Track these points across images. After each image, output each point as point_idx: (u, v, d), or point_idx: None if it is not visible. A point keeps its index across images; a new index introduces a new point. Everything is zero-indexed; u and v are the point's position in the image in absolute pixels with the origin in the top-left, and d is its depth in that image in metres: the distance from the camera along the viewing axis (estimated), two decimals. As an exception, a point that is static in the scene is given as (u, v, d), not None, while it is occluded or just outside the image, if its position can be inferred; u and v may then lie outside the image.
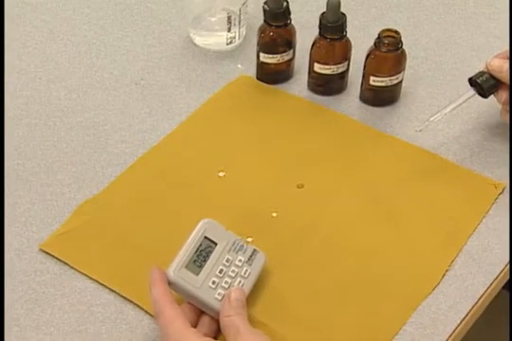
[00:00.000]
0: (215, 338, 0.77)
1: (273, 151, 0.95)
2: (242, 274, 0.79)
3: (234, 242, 0.80)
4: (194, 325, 0.77)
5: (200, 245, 0.78)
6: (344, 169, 0.93)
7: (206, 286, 0.77)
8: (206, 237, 0.79)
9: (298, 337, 0.79)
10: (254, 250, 0.81)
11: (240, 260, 0.80)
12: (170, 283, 0.76)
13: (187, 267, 0.77)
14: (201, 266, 0.78)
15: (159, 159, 0.94)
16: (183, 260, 0.77)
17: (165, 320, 0.74)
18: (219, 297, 0.77)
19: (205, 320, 0.77)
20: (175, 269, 0.76)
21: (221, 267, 0.79)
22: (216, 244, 0.79)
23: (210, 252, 0.79)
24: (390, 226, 0.88)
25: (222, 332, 0.76)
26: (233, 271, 0.79)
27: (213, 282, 0.78)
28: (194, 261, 0.78)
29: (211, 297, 0.77)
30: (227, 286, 0.78)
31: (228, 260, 0.79)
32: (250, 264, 0.80)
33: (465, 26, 1.10)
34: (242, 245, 0.81)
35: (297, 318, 0.80)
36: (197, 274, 0.77)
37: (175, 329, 0.73)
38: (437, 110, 0.93)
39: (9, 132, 0.96)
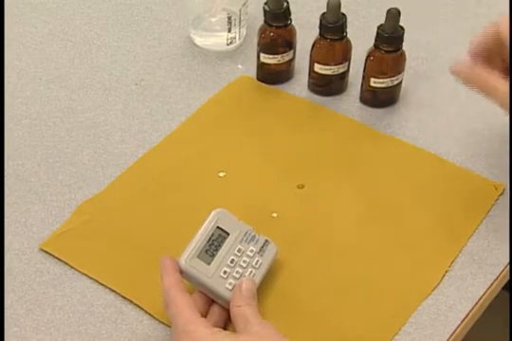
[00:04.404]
0: (225, 327, 0.77)
1: (273, 151, 0.95)
2: (253, 264, 0.80)
3: (246, 233, 0.81)
4: (205, 314, 0.77)
5: (212, 235, 0.79)
6: (344, 169, 0.93)
7: (217, 276, 0.78)
8: (218, 227, 0.79)
9: (300, 334, 0.79)
10: (266, 241, 0.81)
11: (251, 251, 0.80)
12: (181, 272, 0.77)
13: (199, 256, 0.77)
14: (213, 256, 0.78)
15: (159, 159, 0.94)
16: (195, 249, 0.77)
17: (175, 309, 0.74)
18: (230, 287, 0.77)
19: (215, 309, 0.78)
20: (187, 258, 0.77)
21: (232, 257, 0.79)
22: (228, 234, 0.80)
23: (222, 242, 0.79)
24: (390, 227, 0.88)
25: (232, 322, 0.76)
26: (245, 261, 0.79)
27: (225, 272, 0.78)
28: (206, 251, 0.78)
29: (222, 287, 0.77)
30: (238, 276, 0.78)
31: (239, 251, 0.79)
32: (262, 255, 0.81)
33: (465, 27, 1.10)
34: (254, 236, 0.81)
35: (297, 317, 0.80)
36: (209, 263, 0.78)
37: (185, 318, 0.74)
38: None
39: (9, 132, 0.96)
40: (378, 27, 0.93)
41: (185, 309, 0.74)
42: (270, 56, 0.99)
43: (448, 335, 0.80)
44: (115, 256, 0.85)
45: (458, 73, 0.83)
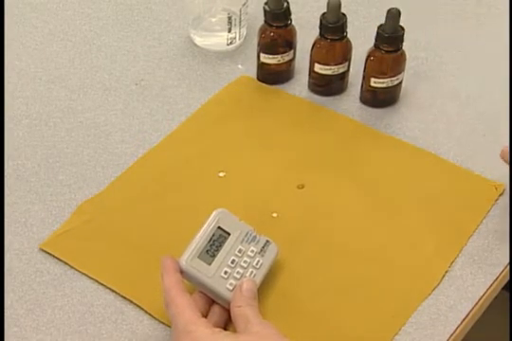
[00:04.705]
0: (225, 328, 0.77)
1: (273, 151, 0.95)
2: (254, 264, 0.80)
3: (247, 233, 0.81)
4: (205, 314, 0.77)
5: (213, 235, 0.79)
6: (344, 169, 0.93)
7: (218, 276, 0.78)
8: (219, 227, 0.80)
9: (300, 334, 0.79)
10: (267, 241, 0.82)
11: (252, 251, 0.80)
12: (182, 272, 0.77)
13: (199, 257, 0.77)
14: (214, 256, 0.78)
15: (159, 159, 0.94)
16: (196, 249, 0.77)
17: (176, 309, 0.74)
18: (230, 287, 0.78)
19: (215, 310, 0.78)
20: (188, 258, 0.77)
21: (233, 257, 0.79)
22: (229, 235, 0.80)
23: (223, 242, 0.79)
24: (390, 227, 0.88)
25: (232, 322, 0.76)
26: (245, 261, 0.79)
27: (225, 272, 0.78)
28: (207, 251, 0.78)
29: (223, 287, 0.77)
30: (238, 276, 0.78)
31: (240, 251, 0.79)
32: (263, 255, 0.81)
33: (465, 27, 1.10)
34: (255, 236, 0.81)
35: (297, 317, 0.80)
36: (210, 263, 0.78)
37: (185, 318, 0.74)
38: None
39: (9, 132, 0.96)
40: (378, 27, 0.93)
41: (185, 309, 0.74)
42: (270, 56, 0.99)
43: (448, 335, 0.80)
44: (115, 256, 0.85)
45: (506, 157, 0.86)
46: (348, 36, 0.96)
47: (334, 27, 0.94)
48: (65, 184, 0.92)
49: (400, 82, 0.98)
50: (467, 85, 1.02)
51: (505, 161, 0.87)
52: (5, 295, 0.81)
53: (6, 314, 0.80)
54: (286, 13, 0.96)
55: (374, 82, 0.96)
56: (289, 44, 0.99)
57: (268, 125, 0.98)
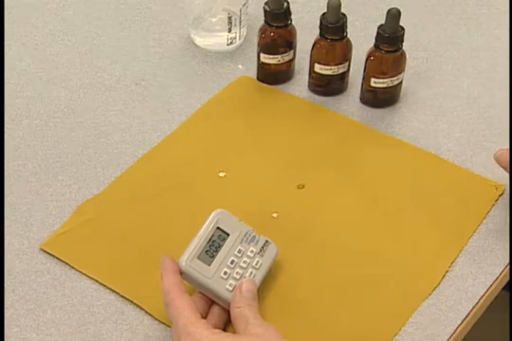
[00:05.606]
0: (225, 329, 0.77)
1: (274, 151, 0.95)
2: (253, 265, 0.80)
3: (246, 233, 0.81)
4: (205, 315, 0.77)
5: (212, 236, 0.79)
6: (344, 169, 0.93)
7: (217, 277, 0.78)
8: (218, 227, 0.79)
9: (300, 334, 0.79)
10: (266, 241, 0.82)
11: (252, 251, 0.80)
12: (181, 273, 0.77)
13: (199, 257, 0.77)
14: (213, 257, 0.78)
15: (160, 159, 0.94)
16: (195, 250, 0.77)
17: (175, 310, 0.74)
18: (230, 288, 0.78)
19: (215, 311, 0.78)
20: (187, 259, 0.77)
21: (233, 258, 0.79)
22: (228, 235, 0.80)
23: (223, 242, 0.79)
24: (390, 227, 0.88)
25: (232, 323, 0.76)
26: (245, 262, 0.79)
27: (225, 273, 0.78)
28: (206, 252, 0.78)
29: (223, 288, 0.77)
30: (238, 277, 0.78)
31: (239, 251, 0.79)
32: (262, 255, 0.81)
33: (465, 27, 1.10)
34: (254, 236, 0.81)
35: (298, 317, 0.80)
36: (209, 264, 0.78)
37: (185, 319, 0.74)
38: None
39: (10, 132, 0.96)
40: (379, 27, 0.93)
41: (185, 310, 0.74)
42: (270, 56, 0.99)
43: (448, 335, 0.80)
44: (115, 256, 0.85)
45: (500, 160, 0.87)
46: (348, 36, 0.96)
47: (334, 28, 0.94)
48: (65, 184, 0.92)
49: (400, 82, 0.98)
50: (467, 85, 1.02)
51: (502, 167, 0.87)
52: (5, 295, 0.81)
53: (6, 314, 0.80)
54: (286, 13, 0.96)
55: (375, 82, 0.96)
56: (289, 45, 0.99)
57: (268, 125, 0.98)
